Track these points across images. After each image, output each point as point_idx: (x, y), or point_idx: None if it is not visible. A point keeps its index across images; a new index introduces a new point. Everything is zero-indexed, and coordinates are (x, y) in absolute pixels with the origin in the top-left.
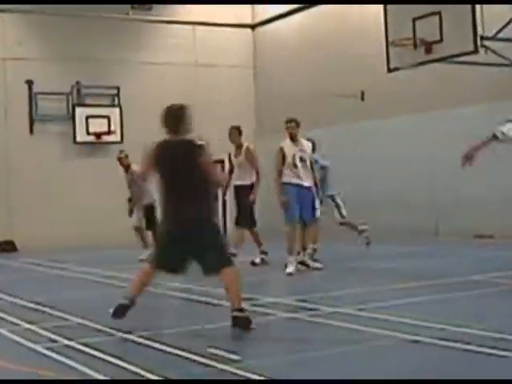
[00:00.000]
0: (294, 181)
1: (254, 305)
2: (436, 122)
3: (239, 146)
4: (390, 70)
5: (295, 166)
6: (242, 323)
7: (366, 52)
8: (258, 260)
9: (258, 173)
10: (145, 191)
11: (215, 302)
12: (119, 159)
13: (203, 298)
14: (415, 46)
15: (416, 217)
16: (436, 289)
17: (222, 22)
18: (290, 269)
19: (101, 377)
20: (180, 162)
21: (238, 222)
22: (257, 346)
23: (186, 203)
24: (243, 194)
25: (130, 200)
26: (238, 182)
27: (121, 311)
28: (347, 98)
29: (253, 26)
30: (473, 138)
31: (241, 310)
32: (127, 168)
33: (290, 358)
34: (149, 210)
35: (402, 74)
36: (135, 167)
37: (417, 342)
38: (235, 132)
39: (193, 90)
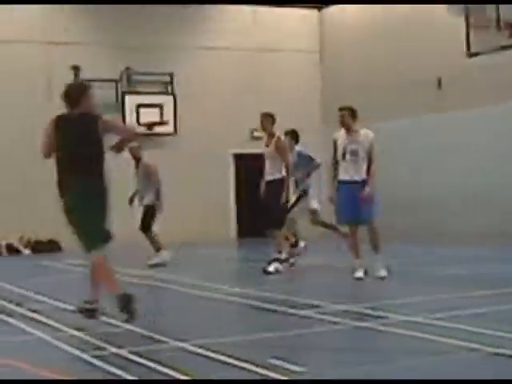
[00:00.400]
0: (343, 177)
1: (319, 312)
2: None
3: (271, 135)
4: (470, 55)
5: (344, 158)
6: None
7: (442, 36)
8: (271, 268)
9: (287, 168)
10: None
11: (275, 308)
12: (131, 149)
13: (264, 305)
14: (499, 28)
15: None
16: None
17: (284, 3)
18: (359, 274)
19: None
20: (76, 134)
21: (271, 225)
22: (323, 357)
23: (76, 176)
24: (273, 189)
25: (131, 199)
26: (269, 177)
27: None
28: (422, 85)
29: (319, 7)
30: None
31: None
32: (138, 161)
33: (359, 370)
34: (150, 211)
35: (484, 60)
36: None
37: (502, 355)
38: (268, 119)
39: (254, 77)
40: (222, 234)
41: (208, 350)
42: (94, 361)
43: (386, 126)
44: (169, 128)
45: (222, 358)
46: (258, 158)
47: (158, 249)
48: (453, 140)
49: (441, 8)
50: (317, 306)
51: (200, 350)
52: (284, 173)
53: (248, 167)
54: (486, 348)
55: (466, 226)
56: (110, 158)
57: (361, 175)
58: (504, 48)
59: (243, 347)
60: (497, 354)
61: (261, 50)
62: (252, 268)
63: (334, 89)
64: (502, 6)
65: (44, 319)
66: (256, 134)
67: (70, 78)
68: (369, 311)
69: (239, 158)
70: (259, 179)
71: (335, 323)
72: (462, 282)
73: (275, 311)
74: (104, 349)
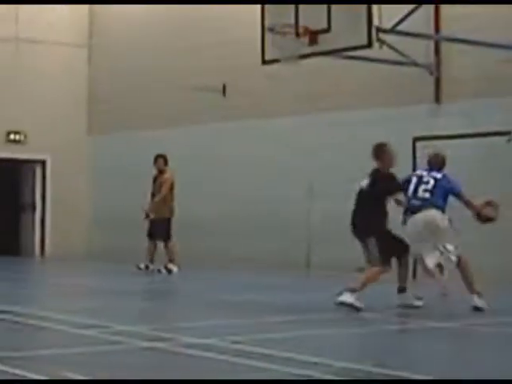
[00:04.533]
0: None
1: (106, 332)
2: (314, 128)
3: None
4: (265, 62)
5: None
6: None
7: (234, 39)
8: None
9: None
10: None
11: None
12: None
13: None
14: (297, 34)
15: (284, 243)
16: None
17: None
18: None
19: None
20: None
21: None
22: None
23: None
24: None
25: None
26: None
27: None
28: (206, 92)
29: None
30: (358, 148)
31: None
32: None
33: None
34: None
35: (279, 68)
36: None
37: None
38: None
39: (10, 70)
40: None
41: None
42: None
43: (168, 134)
44: None
45: None
46: (14, 163)
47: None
48: (232, 151)
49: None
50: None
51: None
52: None
53: (1, 173)
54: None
55: (254, 252)
56: None
57: None
58: (303, 56)
59: None
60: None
61: (20, 40)
62: None
63: (104, 91)
64: (301, 10)
65: None
66: (12, 136)
67: None
68: (156, 333)
69: None
70: (16, 187)
71: (119, 343)
72: (257, 308)
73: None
74: None
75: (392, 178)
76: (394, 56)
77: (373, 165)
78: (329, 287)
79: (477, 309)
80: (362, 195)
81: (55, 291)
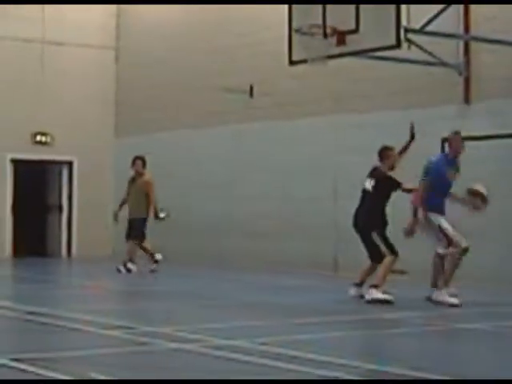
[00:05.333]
0: None
1: (128, 333)
2: (341, 129)
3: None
4: (292, 63)
5: None
6: None
7: (261, 40)
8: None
9: None
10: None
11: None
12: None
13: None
14: (325, 35)
15: (311, 244)
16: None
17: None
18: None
19: None
20: None
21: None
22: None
23: None
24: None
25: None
26: None
27: None
28: (233, 93)
29: None
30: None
31: None
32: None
33: None
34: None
35: (306, 69)
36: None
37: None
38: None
39: (37, 72)
40: None
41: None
42: None
43: (195, 135)
44: None
45: None
46: (41, 165)
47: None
48: (260, 153)
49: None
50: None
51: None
52: None
53: (28, 174)
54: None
55: (281, 253)
56: None
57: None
58: (330, 57)
59: None
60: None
61: (47, 42)
62: None
63: (131, 93)
64: (329, 11)
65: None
66: (39, 138)
67: None
68: (183, 334)
69: (19, 164)
70: (42, 188)
71: (145, 344)
72: (284, 310)
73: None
74: None
75: (390, 177)
76: (422, 56)
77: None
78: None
79: (429, 299)
80: (365, 195)
81: (81, 292)
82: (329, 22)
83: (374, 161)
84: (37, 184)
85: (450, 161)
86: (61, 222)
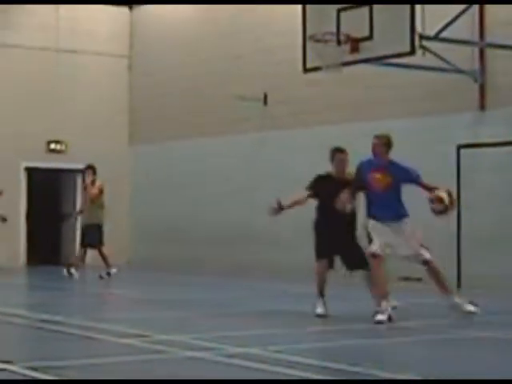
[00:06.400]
0: None
1: (143, 341)
2: (356, 137)
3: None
4: (306, 70)
5: None
6: None
7: (275, 47)
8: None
9: None
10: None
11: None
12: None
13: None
14: (339, 42)
15: None
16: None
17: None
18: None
19: None
20: None
21: None
22: None
23: None
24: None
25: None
26: None
27: None
28: (247, 101)
29: (130, 5)
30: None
31: None
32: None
33: None
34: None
35: (320, 76)
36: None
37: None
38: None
39: (51, 80)
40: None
41: None
42: None
43: (208, 143)
44: None
45: None
46: (55, 173)
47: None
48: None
49: (278, 9)
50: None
51: None
52: None
53: (43, 183)
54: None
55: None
56: None
57: None
58: (344, 64)
59: None
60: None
61: (61, 50)
62: None
63: (144, 101)
64: (343, 18)
65: None
66: (53, 146)
67: None
68: (198, 342)
69: (33, 173)
70: (57, 196)
71: (160, 352)
72: (299, 318)
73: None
74: None
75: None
76: (437, 63)
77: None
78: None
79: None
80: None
81: (96, 301)
82: (343, 29)
83: None
84: (51, 192)
85: (375, 165)
86: (75, 231)
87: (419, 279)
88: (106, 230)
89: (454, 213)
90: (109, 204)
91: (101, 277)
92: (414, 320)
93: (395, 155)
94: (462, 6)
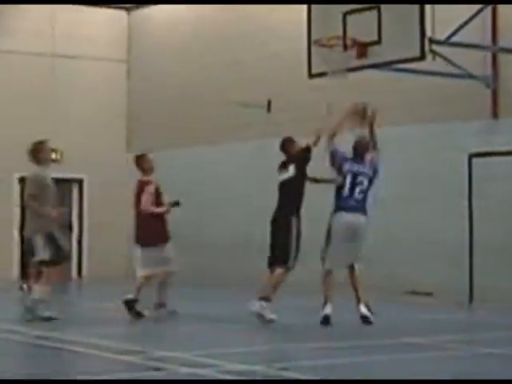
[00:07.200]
0: None
1: (143, 358)
2: None
3: None
4: (311, 76)
5: None
6: None
7: (279, 52)
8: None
9: None
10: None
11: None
12: None
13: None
14: (345, 47)
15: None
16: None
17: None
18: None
19: None
20: None
21: None
22: None
23: None
24: None
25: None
26: None
27: None
28: (250, 107)
29: (128, 8)
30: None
31: None
32: None
33: None
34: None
35: (326, 82)
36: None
37: None
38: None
39: (47, 87)
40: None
41: None
42: None
43: (210, 151)
44: None
45: None
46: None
47: None
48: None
49: (282, 13)
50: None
51: None
52: None
53: None
54: None
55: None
56: None
57: None
58: (351, 70)
59: None
60: None
61: (57, 55)
62: None
63: (143, 107)
64: (349, 21)
65: None
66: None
67: None
68: (199, 358)
69: None
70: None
71: (158, 369)
72: (303, 333)
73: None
74: None
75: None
76: (447, 68)
77: None
78: (375, 311)
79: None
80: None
81: (93, 315)
82: (349, 33)
83: (397, 176)
84: None
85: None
86: (71, 242)
87: (429, 294)
88: (105, 240)
89: (466, 223)
90: (105, 213)
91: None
92: (425, 335)
93: (403, 164)
94: (473, 9)
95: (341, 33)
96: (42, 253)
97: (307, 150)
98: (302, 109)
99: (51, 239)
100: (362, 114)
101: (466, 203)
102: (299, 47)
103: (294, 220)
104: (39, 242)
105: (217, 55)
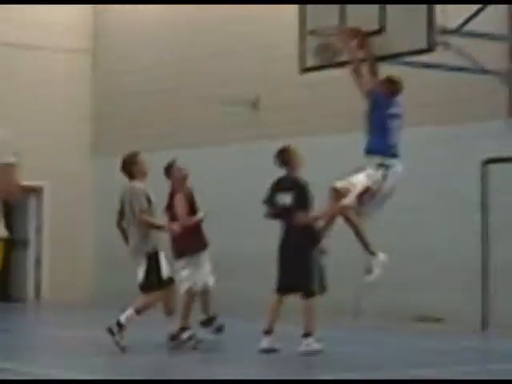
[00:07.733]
0: None
1: None
2: (361, 148)
3: None
4: (303, 70)
5: None
6: None
7: (268, 43)
8: None
9: None
10: None
11: None
12: None
13: None
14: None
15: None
16: None
17: None
18: None
19: None
20: None
21: None
22: None
23: None
24: None
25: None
26: None
27: None
28: (235, 106)
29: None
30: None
31: None
32: None
33: None
34: None
35: (320, 77)
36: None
37: None
38: None
39: (3, 81)
40: None
41: None
42: None
43: (189, 155)
44: None
45: None
46: None
47: None
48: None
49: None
50: None
51: None
52: None
53: None
54: None
55: None
56: None
57: None
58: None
59: None
60: None
61: (8, 44)
62: None
63: (111, 106)
64: (348, 9)
65: None
66: None
67: None
68: None
69: None
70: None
71: None
72: (298, 363)
73: None
74: None
75: None
76: (459, 62)
77: None
78: (379, 340)
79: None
80: None
81: (54, 345)
82: (348, 23)
83: (400, 188)
84: None
85: None
86: (27, 260)
87: (438, 319)
88: (63, 260)
89: (479, 240)
90: (68, 227)
91: None
92: (433, 367)
93: (407, 173)
94: None
95: (338, 22)
96: None
97: None
98: (295, 107)
99: None
100: (360, 39)
101: (479, 218)
102: (292, 38)
103: None
104: None
105: (197, 46)
